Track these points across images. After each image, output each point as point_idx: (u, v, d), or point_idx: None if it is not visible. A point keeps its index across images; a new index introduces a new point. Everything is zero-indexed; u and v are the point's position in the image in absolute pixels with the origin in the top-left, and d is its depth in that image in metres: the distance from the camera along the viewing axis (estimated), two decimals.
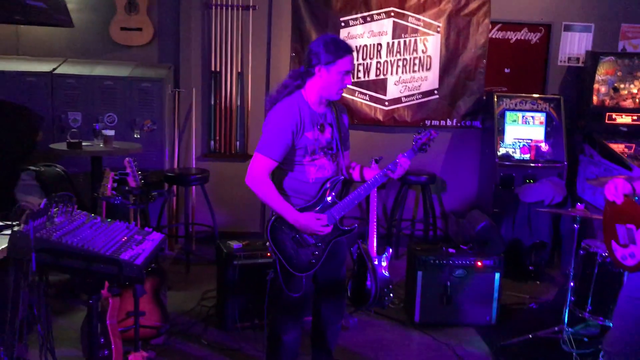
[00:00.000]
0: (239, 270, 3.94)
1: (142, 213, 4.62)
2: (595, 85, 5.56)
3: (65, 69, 5.29)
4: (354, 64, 2.92)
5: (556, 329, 3.81)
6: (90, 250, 2.11)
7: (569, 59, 5.94)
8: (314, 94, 2.88)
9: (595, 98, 5.58)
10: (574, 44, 5.90)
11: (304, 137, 2.85)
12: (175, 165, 5.65)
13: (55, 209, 2.31)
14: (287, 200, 2.88)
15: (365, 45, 5.71)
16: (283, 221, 2.88)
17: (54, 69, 5.22)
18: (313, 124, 2.88)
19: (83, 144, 4.54)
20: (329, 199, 2.94)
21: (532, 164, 5.45)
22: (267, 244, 2.93)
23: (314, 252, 2.92)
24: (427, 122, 5.87)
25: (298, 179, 2.92)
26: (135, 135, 5.25)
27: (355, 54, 2.88)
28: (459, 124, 5.93)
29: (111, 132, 4.65)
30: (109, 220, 2.54)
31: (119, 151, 4.59)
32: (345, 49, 2.82)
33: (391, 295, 4.12)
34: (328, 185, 2.95)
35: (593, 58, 5.62)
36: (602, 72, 5.55)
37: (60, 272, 3.35)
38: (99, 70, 5.32)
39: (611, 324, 2.86)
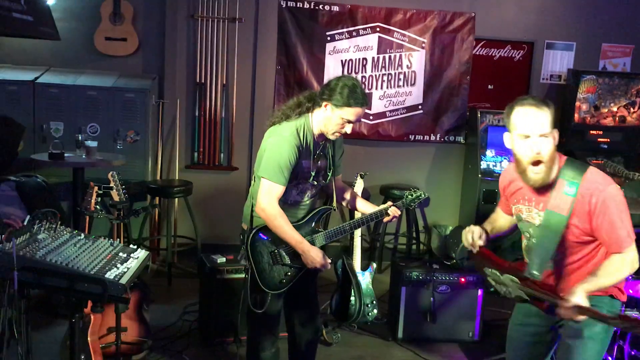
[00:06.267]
0: (222, 285, 3.91)
1: (124, 225, 4.57)
2: (577, 103, 5.64)
3: (48, 78, 5.24)
4: (360, 117, 2.91)
5: None
6: (75, 270, 2.07)
7: (551, 76, 6.02)
8: (316, 124, 2.87)
9: (576, 115, 5.66)
10: (556, 62, 5.99)
11: (300, 164, 2.85)
12: (159, 177, 5.60)
13: (38, 226, 2.27)
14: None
15: (351, 60, 5.73)
16: (265, 233, 2.87)
17: (37, 78, 5.16)
18: (311, 153, 2.88)
19: (65, 154, 4.49)
20: (312, 225, 2.96)
21: None
22: (242, 251, 2.92)
23: (287, 272, 2.91)
24: (411, 137, 5.91)
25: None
26: (118, 146, 5.20)
27: (364, 107, 2.88)
28: (442, 139, 5.97)
29: (94, 143, 4.61)
30: (93, 236, 2.50)
31: (101, 163, 4.55)
32: (358, 101, 2.76)
33: (375, 310, 4.13)
34: (318, 213, 2.98)
35: (575, 76, 5.70)
36: (584, 90, 5.64)
37: (43, 291, 3.29)
38: (83, 80, 5.27)
39: None
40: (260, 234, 2.89)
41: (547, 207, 2.34)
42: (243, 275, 3.87)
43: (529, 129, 2.30)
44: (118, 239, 2.55)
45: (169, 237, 5.18)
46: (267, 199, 2.79)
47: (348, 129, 2.84)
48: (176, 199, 5.51)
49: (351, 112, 2.77)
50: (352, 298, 4.05)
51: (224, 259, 4.01)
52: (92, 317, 3.07)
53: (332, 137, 2.89)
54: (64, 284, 2.07)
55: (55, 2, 5.28)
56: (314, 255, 2.84)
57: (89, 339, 3.03)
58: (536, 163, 2.28)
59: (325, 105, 2.80)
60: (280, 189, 2.80)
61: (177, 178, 5.63)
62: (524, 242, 2.52)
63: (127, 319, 3.43)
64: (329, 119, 2.81)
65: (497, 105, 5.92)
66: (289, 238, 2.83)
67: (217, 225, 5.72)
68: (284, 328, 3.18)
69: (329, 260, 2.90)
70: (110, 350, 3.29)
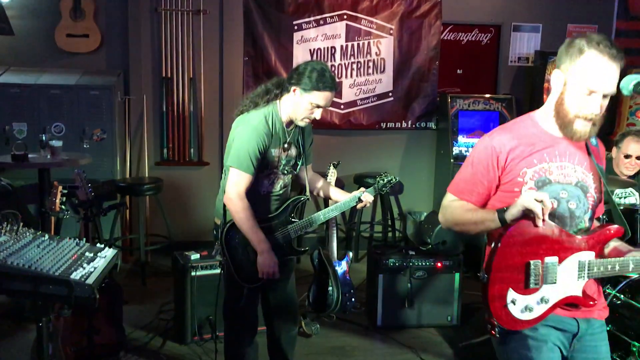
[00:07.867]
0: (197, 282, 3.84)
1: (94, 226, 4.46)
2: (545, 85, 5.68)
3: (8, 78, 5.07)
4: (329, 102, 2.85)
5: None
6: (38, 271, 1.99)
7: (519, 58, 6.05)
8: (284, 111, 2.83)
9: (545, 97, 5.66)
10: (524, 44, 6.01)
11: (269, 152, 2.80)
12: (128, 175, 5.49)
13: None
14: None
15: (319, 49, 5.68)
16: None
17: None
18: (280, 141, 2.83)
19: (29, 156, 4.36)
20: (287, 216, 2.91)
21: None
22: (216, 246, 2.86)
23: None
24: (383, 125, 5.89)
25: (250, 190, 2.85)
26: (85, 145, 5.07)
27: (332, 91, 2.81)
28: (414, 126, 5.96)
29: (59, 143, 4.47)
30: (58, 237, 2.41)
31: (67, 162, 4.42)
32: (327, 85, 2.72)
33: (353, 299, 4.09)
34: (291, 203, 2.93)
35: (542, 58, 5.73)
36: (551, 71, 5.66)
37: (6, 296, 3.19)
38: (45, 78, 5.12)
39: None
40: (235, 228, 2.83)
41: (596, 161, 2.02)
42: (218, 271, 3.81)
43: (598, 86, 1.88)
44: (85, 239, 2.47)
45: (141, 236, 5.08)
46: (235, 189, 2.73)
47: (317, 114, 2.79)
48: (147, 197, 5.40)
49: (320, 96, 2.73)
50: (330, 288, 4.01)
51: (197, 255, 3.94)
52: (62, 320, 2.98)
53: (301, 124, 2.84)
54: (28, 287, 1.99)
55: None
56: (266, 260, 2.77)
57: (60, 342, 2.94)
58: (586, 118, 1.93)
59: (294, 90, 2.75)
60: (248, 179, 2.74)
61: (147, 175, 5.52)
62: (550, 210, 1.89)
63: (100, 321, 3.35)
64: (298, 104, 2.76)
65: (466, 90, 5.93)
66: (250, 234, 2.77)
67: (190, 222, 5.64)
68: (263, 322, 3.14)
69: (278, 274, 2.81)
70: (84, 353, 3.21)
